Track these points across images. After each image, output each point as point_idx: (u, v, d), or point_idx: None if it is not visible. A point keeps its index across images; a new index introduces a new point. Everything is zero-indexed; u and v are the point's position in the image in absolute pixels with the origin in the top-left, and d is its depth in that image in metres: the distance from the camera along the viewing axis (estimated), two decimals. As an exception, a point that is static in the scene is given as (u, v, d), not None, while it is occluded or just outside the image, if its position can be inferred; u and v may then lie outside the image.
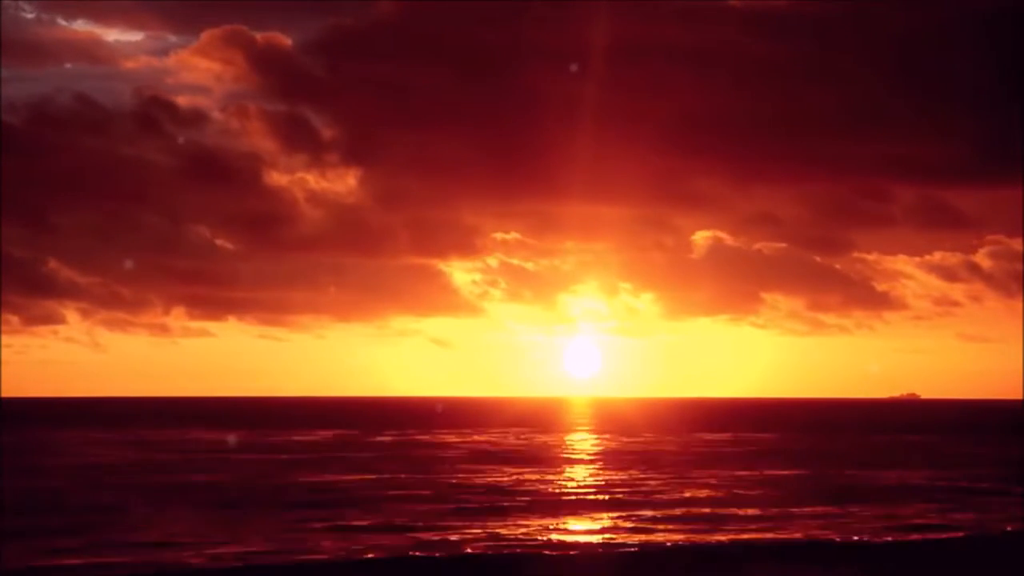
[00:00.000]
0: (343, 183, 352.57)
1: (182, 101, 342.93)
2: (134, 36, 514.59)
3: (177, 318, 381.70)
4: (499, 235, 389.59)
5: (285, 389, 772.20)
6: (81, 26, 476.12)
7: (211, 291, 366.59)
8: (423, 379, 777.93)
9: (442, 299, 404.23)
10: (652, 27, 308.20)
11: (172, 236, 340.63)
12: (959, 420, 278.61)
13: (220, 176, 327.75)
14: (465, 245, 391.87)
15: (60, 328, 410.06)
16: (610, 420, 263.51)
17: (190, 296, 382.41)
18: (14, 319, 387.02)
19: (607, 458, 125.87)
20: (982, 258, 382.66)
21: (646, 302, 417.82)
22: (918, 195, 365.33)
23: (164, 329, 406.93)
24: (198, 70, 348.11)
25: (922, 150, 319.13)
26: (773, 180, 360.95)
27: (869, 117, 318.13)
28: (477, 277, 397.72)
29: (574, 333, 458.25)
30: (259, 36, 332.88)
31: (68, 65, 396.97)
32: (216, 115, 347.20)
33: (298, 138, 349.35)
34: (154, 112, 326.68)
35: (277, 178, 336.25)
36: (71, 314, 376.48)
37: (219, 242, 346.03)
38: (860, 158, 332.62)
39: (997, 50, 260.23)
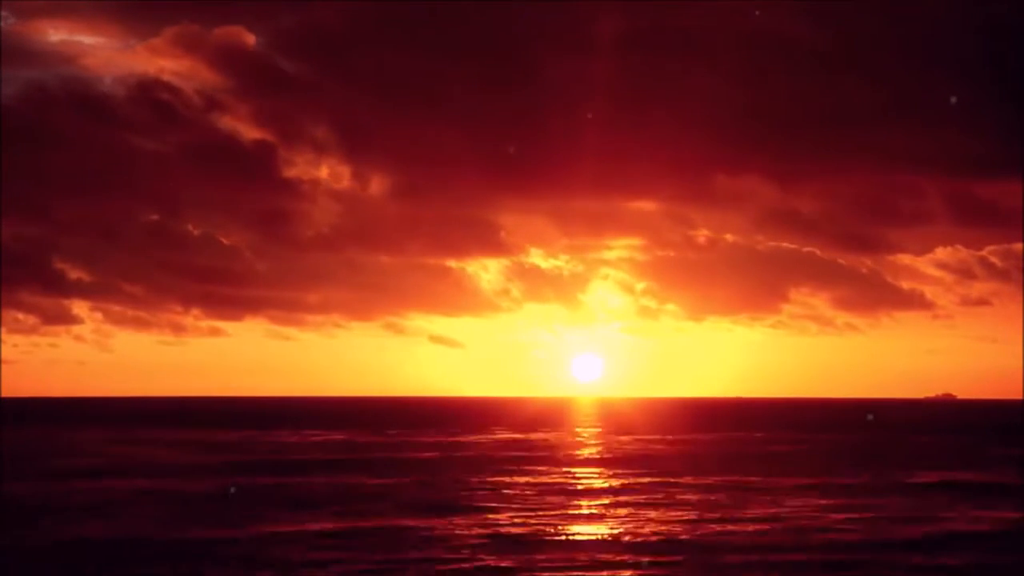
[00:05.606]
0: (339, 181, 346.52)
1: (165, 97, 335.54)
2: (112, 38, 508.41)
3: (195, 318, 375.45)
4: (513, 234, 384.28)
5: (300, 389, 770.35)
6: (62, 32, 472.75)
7: (223, 290, 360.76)
8: (437, 379, 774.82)
9: (455, 298, 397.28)
10: (673, 20, 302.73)
11: (175, 235, 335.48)
12: None
13: (213, 173, 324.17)
14: (478, 244, 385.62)
15: (73, 327, 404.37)
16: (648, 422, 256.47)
17: (204, 295, 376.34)
18: (30, 319, 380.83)
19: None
20: (996, 257, 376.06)
21: (663, 301, 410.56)
22: (938, 193, 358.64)
23: (177, 328, 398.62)
24: (170, 69, 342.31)
25: (944, 145, 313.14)
26: (790, 178, 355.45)
27: (888, 113, 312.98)
28: (490, 276, 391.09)
29: (590, 333, 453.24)
30: (231, 32, 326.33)
31: (53, 67, 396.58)
32: (199, 113, 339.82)
33: (292, 136, 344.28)
34: (144, 108, 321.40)
35: (271, 175, 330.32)
36: (84, 313, 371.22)
37: (225, 240, 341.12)
38: (881, 154, 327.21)
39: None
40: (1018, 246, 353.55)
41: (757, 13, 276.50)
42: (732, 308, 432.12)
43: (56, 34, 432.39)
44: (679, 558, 52.36)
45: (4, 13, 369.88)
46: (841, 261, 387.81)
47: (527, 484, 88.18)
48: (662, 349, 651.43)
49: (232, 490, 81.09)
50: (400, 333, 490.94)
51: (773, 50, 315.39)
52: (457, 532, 60.23)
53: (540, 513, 68.98)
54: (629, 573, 49.12)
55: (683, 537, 59.00)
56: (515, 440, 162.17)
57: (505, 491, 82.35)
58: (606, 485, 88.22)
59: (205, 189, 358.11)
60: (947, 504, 75.32)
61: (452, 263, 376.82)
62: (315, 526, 61.88)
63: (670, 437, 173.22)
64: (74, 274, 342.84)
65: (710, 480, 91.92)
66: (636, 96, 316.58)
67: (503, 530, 61.07)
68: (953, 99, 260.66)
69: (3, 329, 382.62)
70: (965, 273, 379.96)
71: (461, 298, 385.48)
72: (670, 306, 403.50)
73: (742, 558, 52.36)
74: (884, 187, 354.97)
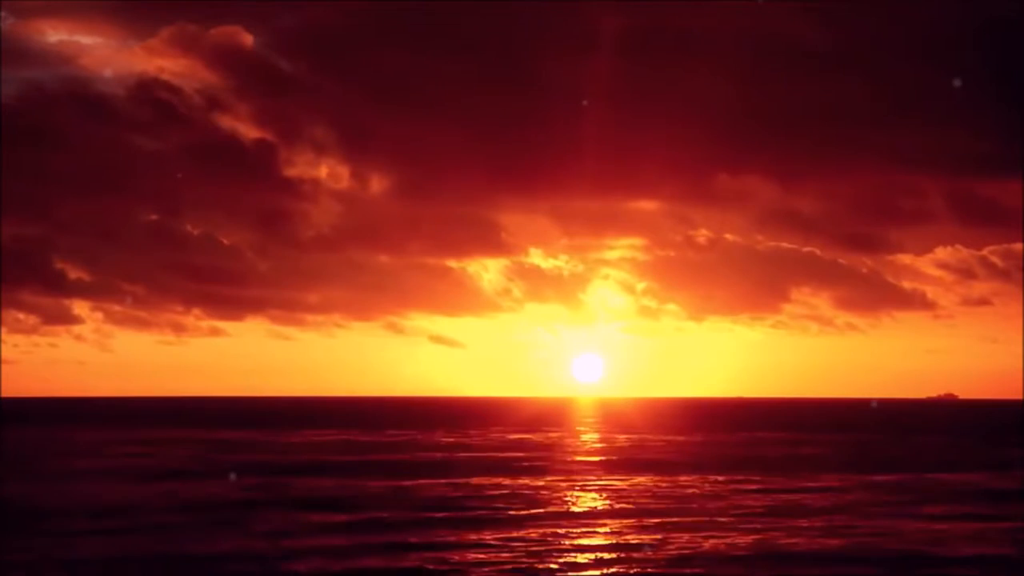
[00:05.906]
0: (339, 181, 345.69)
1: (164, 97, 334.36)
2: (110, 38, 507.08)
3: (196, 317, 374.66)
4: (513, 234, 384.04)
5: (300, 389, 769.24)
6: (61, 32, 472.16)
7: (224, 290, 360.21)
8: (437, 379, 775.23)
9: (455, 298, 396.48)
10: (673, 20, 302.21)
11: (175, 235, 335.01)
12: None
13: (213, 173, 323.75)
14: (478, 244, 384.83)
15: (73, 327, 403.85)
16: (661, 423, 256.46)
17: (204, 295, 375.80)
18: (30, 319, 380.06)
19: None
20: (996, 257, 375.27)
21: (663, 301, 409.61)
22: (939, 192, 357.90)
23: (178, 328, 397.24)
24: (168, 69, 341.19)
25: (945, 145, 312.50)
26: (790, 178, 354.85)
27: (889, 112, 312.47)
28: (491, 276, 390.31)
29: (590, 333, 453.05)
30: (229, 32, 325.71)
31: (51, 67, 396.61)
32: (199, 112, 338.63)
33: (292, 136, 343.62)
34: (144, 108, 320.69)
35: (271, 175, 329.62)
36: (84, 313, 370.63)
37: (225, 240, 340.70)
38: (881, 153, 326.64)
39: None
40: (1018, 246, 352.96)
41: (760, 1, 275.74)
42: (732, 308, 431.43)
43: (55, 34, 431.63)
44: (699, 570, 51.47)
45: (3, 13, 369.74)
46: (841, 261, 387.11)
47: (532, 486, 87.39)
48: (663, 349, 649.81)
49: (232, 477, 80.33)
50: (400, 333, 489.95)
51: (773, 50, 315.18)
52: (471, 538, 59.34)
53: (551, 518, 68.12)
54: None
55: (703, 545, 58.12)
56: (517, 440, 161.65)
57: (513, 494, 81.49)
58: (612, 490, 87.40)
59: (205, 189, 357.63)
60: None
61: (452, 263, 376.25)
62: (331, 537, 60.63)
63: (670, 437, 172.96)
64: (74, 274, 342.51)
65: (717, 482, 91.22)
66: (636, 96, 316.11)
67: (515, 534, 60.22)
68: (957, 82, 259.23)
69: (3, 329, 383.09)
70: (966, 273, 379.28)
71: (462, 298, 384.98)
72: (671, 306, 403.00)
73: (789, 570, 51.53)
74: (884, 187, 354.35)
